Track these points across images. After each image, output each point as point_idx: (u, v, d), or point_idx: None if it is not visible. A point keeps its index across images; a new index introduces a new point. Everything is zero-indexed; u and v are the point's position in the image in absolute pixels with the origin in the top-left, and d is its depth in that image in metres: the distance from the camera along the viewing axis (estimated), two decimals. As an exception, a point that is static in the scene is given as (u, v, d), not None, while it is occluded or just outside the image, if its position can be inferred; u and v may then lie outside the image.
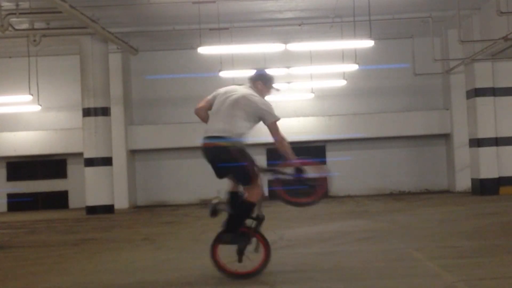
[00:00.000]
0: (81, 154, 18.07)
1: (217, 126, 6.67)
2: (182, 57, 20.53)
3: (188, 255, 8.69)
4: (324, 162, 7.19)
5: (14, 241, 11.74)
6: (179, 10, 15.77)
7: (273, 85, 7.01)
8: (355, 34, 15.65)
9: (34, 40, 15.90)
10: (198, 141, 6.79)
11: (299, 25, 17.49)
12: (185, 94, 20.59)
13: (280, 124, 6.76)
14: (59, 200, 20.64)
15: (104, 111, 17.75)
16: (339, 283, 6.36)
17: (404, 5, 16.46)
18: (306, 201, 6.88)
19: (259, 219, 6.71)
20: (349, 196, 20.07)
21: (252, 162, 6.63)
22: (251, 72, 7.07)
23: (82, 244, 10.72)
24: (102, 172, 17.63)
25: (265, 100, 6.82)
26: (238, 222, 6.62)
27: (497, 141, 17.70)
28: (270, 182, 6.78)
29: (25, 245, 11.08)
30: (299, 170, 6.67)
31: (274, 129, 6.66)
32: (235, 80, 18.65)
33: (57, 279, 7.35)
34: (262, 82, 6.90)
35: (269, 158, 18.83)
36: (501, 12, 13.36)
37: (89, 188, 17.60)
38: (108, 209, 17.52)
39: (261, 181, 6.68)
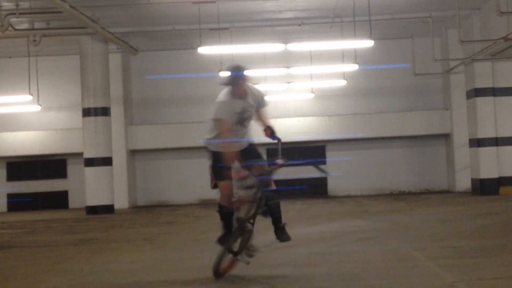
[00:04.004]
0: (81, 154, 18.07)
1: None
2: (182, 57, 20.52)
3: (188, 255, 8.69)
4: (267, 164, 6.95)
5: (14, 241, 11.74)
6: (179, 10, 15.76)
7: (232, 79, 6.70)
8: (355, 34, 15.65)
9: (34, 40, 15.90)
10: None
11: (299, 25, 17.49)
12: (185, 94, 20.61)
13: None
14: (59, 200, 20.64)
15: (104, 111, 17.75)
16: (339, 283, 6.36)
17: (404, 5, 16.46)
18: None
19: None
20: (349, 196, 20.07)
21: (213, 165, 6.75)
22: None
23: (82, 244, 10.72)
24: (102, 172, 17.63)
25: (220, 99, 6.74)
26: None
27: (497, 141, 17.69)
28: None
29: (25, 245, 11.08)
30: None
31: (217, 128, 6.70)
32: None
33: (57, 279, 7.35)
34: (246, 78, 6.82)
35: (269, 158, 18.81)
36: (501, 12, 13.36)
37: (89, 188, 17.60)
38: (108, 209, 17.52)
39: (228, 184, 6.66)
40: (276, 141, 6.87)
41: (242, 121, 6.75)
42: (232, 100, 6.69)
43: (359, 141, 20.53)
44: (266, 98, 7.01)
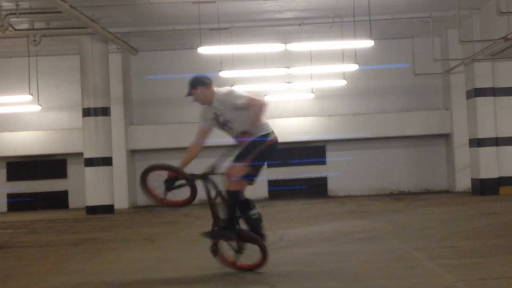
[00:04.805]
0: (81, 154, 18.07)
1: None
2: (182, 57, 20.52)
3: (188, 255, 8.69)
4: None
5: (14, 241, 11.74)
6: (179, 10, 15.77)
7: (188, 92, 7.19)
8: (355, 34, 15.65)
9: (34, 40, 15.90)
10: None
11: (299, 25, 17.49)
12: (185, 94, 20.57)
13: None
14: (59, 200, 20.64)
15: (104, 111, 17.75)
16: (339, 283, 6.36)
17: (404, 5, 16.46)
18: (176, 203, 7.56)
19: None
20: (349, 196, 20.07)
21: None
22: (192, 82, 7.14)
23: (82, 244, 10.72)
24: (102, 172, 17.63)
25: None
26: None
27: (497, 141, 17.70)
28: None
29: (25, 245, 11.08)
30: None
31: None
32: (235, 80, 18.69)
33: (57, 279, 7.34)
34: (204, 86, 7.01)
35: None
36: (501, 12, 13.36)
37: (89, 188, 17.60)
38: (108, 209, 17.52)
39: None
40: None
41: (223, 125, 6.97)
42: (205, 108, 7.07)
43: (359, 141, 20.53)
44: (239, 98, 6.79)
